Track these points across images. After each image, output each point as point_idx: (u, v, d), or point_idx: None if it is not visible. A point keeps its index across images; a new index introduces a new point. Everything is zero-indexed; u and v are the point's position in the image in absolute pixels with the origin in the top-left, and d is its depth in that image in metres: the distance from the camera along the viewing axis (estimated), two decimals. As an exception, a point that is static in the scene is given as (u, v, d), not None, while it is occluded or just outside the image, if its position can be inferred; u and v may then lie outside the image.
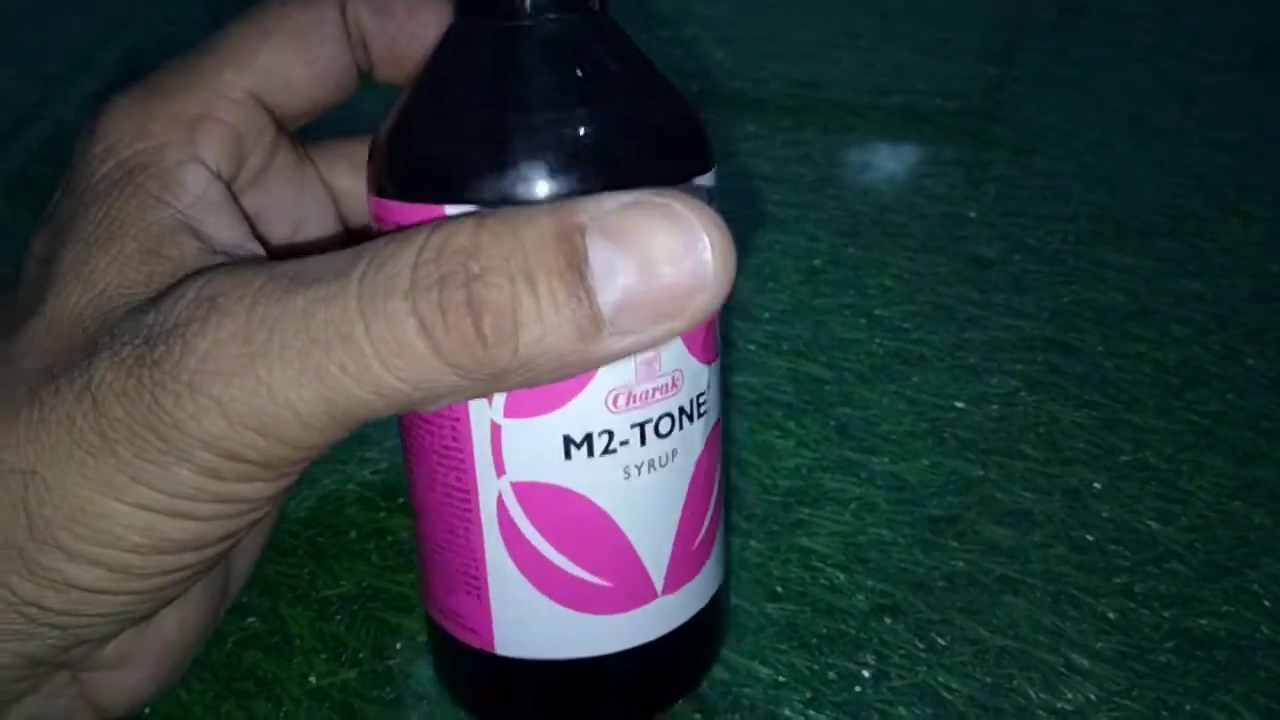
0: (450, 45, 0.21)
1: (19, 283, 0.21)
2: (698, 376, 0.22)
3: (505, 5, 0.20)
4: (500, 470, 0.21)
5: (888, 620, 0.29)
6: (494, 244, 0.17)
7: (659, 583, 0.23)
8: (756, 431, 0.36)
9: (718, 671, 0.27)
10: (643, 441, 0.21)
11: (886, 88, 0.67)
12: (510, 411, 0.21)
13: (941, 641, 0.29)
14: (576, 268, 0.17)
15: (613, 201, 0.18)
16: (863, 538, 0.32)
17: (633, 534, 0.22)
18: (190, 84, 0.22)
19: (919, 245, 0.48)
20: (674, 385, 0.21)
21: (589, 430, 0.21)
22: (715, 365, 0.23)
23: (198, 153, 0.22)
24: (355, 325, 0.17)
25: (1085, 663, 0.28)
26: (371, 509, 0.33)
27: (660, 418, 0.21)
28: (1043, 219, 0.51)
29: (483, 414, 0.21)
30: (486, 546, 0.22)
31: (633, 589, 0.23)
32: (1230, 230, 0.51)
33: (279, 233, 0.25)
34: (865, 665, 0.28)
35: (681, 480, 0.22)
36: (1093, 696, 0.27)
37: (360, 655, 0.27)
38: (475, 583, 0.22)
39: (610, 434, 0.21)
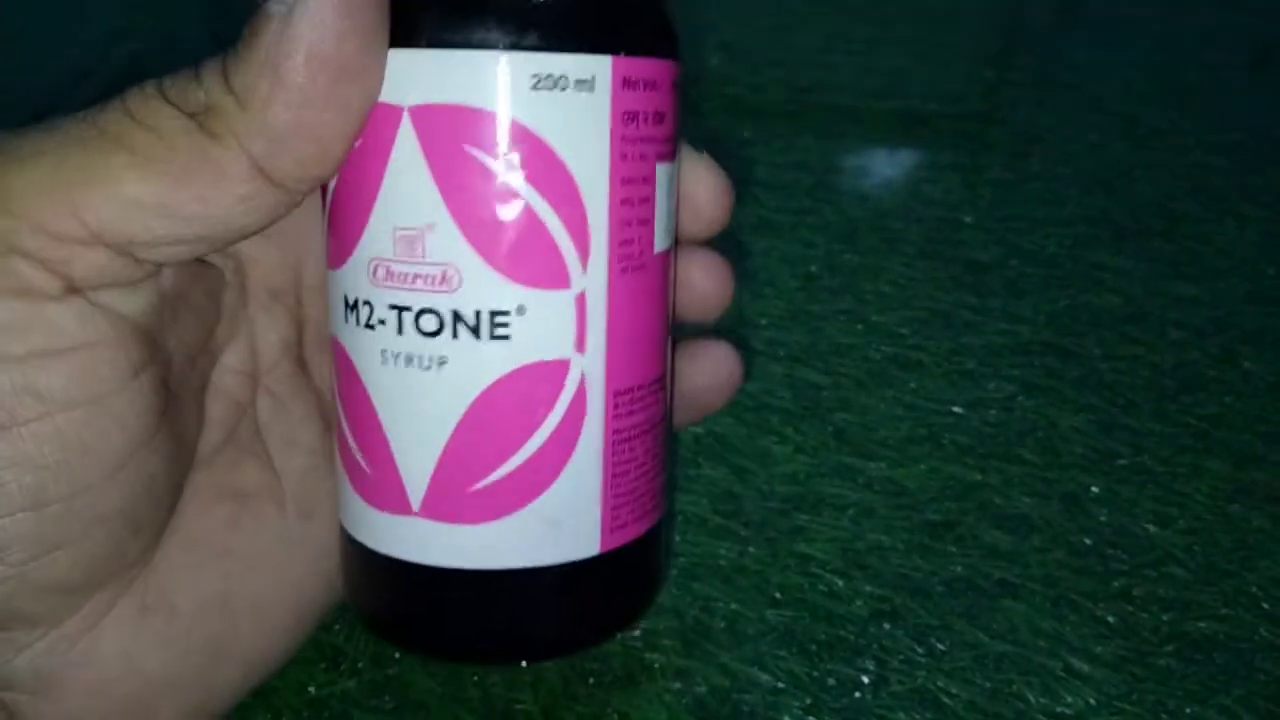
0: None
1: None
2: (494, 288, 0.19)
3: None
4: (331, 323, 0.22)
5: (886, 626, 0.29)
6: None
7: (414, 499, 0.21)
8: (754, 437, 0.36)
9: (716, 678, 0.27)
10: (400, 330, 0.20)
11: (883, 92, 0.67)
12: (328, 258, 0.21)
13: (940, 647, 0.29)
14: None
15: None
16: (861, 543, 0.32)
17: (387, 425, 0.21)
18: None
19: (916, 250, 0.48)
20: (443, 280, 0.19)
21: (356, 296, 0.20)
22: (548, 295, 0.20)
23: None
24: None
25: (1084, 667, 0.28)
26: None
27: (422, 312, 0.19)
28: (1039, 223, 0.51)
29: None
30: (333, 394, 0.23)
31: (388, 489, 0.21)
32: (1227, 232, 0.51)
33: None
34: (864, 671, 0.28)
35: (454, 399, 0.20)
36: (1092, 700, 0.27)
37: (359, 665, 0.27)
38: None
39: (370, 306, 0.20)
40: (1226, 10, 0.85)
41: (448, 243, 0.19)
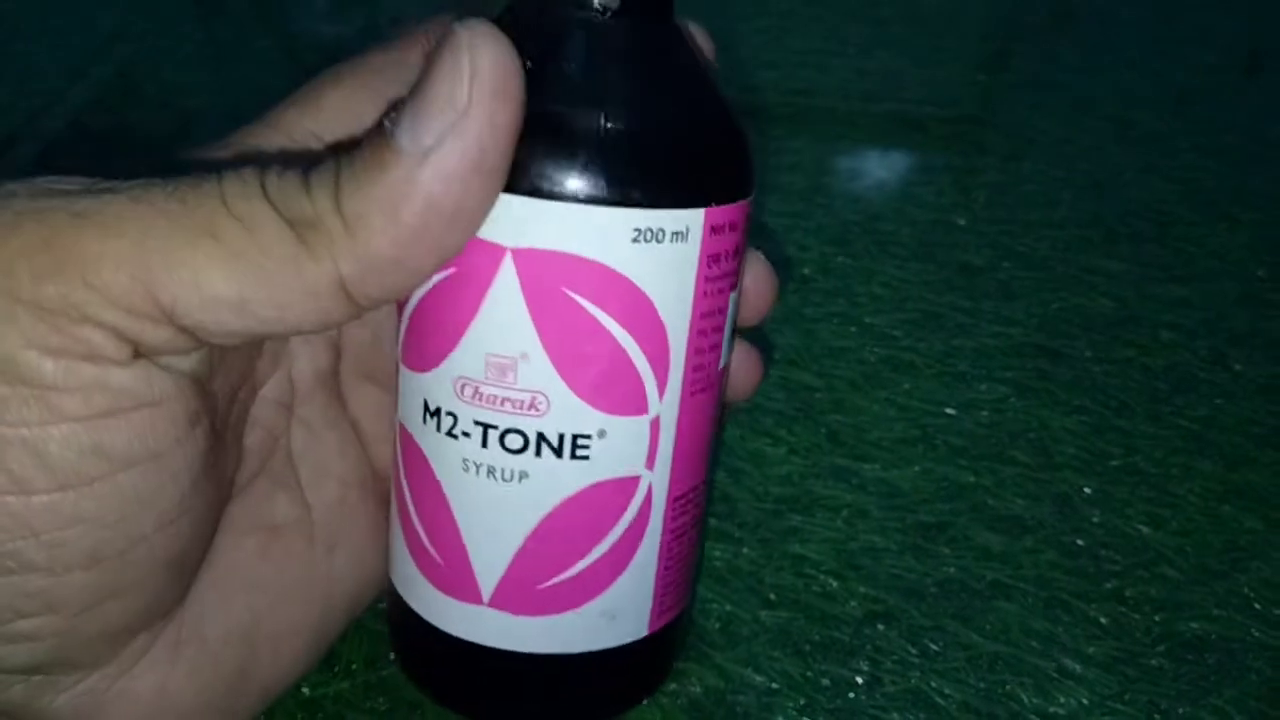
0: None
1: None
2: (578, 414, 0.20)
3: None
4: (396, 406, 0.22)
5: (880, 627, 0.29)
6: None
7: (485, 592, 0.22)
8: (748, 439, 0.36)
9: (711, 678, 0.27)
10: (484, 444, 0.21)
11: (878, 95, 0.68)
12: (403, 355, 0.22)
13: (934, 647, 0.29)
14: (380, 121, 0.18)
15: None
16: (854, 544, 0.32)
17: (464, 527, 0.22)
18: (258, 123, 0.22)
19: (909, 253, 0.48)
20: (531, 405, 0.20)
21: (439, 406, 0.21)
22: (627, 421, 0.21)
23: None
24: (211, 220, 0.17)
25: (1077, 667, 0.28)
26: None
27: (508, 431, 0.21)
28: (1032, 225, 0.51)
29: (395, 350, 0.22)
30: (391, 477, 0.24)
31: (458, 579, 0.22)
32: (1218, 235, 0.51)
33: None
34: (858, 672, 0.28)
35: (531, 509, 0.21)
36: (1085, 701, 0.27)
37: (353, 666, 0.27)
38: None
39: (455, 418, 0.21)
40: (1219, 15, 0.85)
41: (538, 373, 0.20)
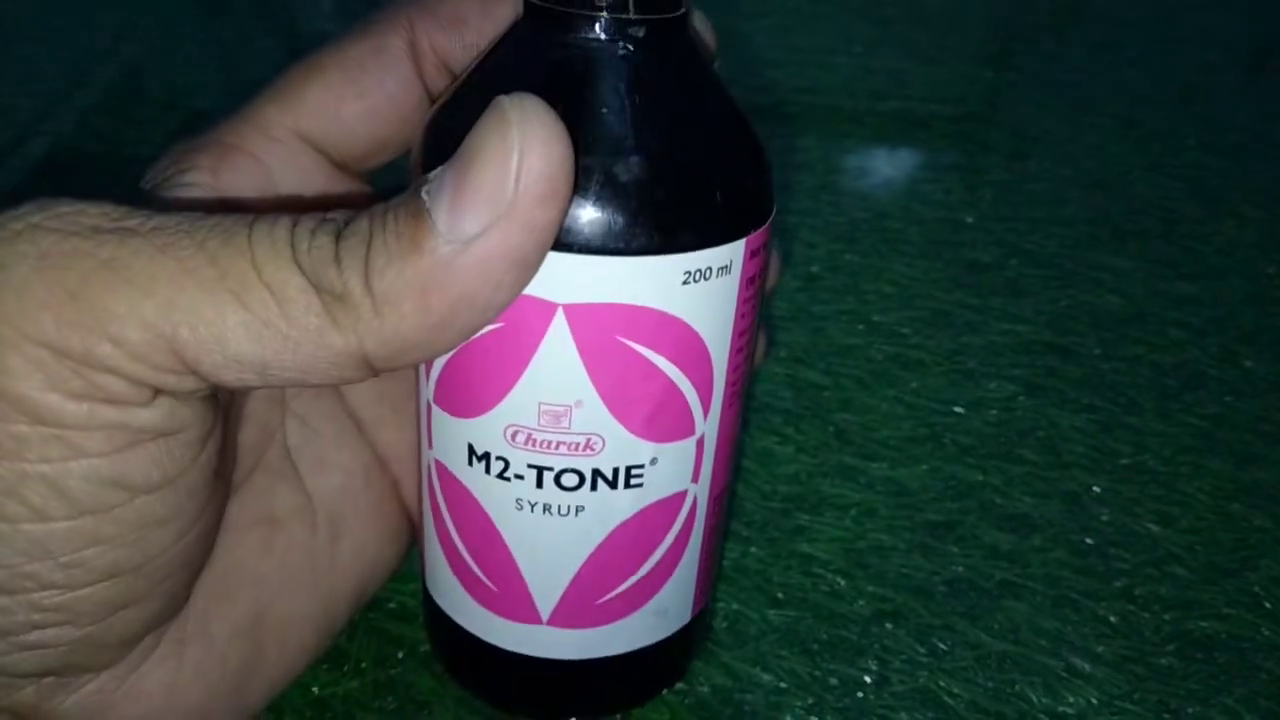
0: (514, 47, 0.20)
1: None
2: (632, 448, 0.21)
3: (579, 25, 0.19)
4: (430, 443, 0.22)
5: (889, 625, 0.29)
6: (368, 209, 0.17)
7: (544, 611, 0.23)
8: (755, 438, 0.36)
9: (719, 678, 0.27)
10: (539, 484, 0.21)
11: (883, 93, 0.67)
12: (437, 398, 0.21)
13: (943, 646, 0.29)
14: (416, 189, 0.17)
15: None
16: (863, 543, 0.32)
17: (520, 557, 0.22)
18: (237, 118, 0.22)
19: (916, 251, 0.48)
20: (586, 447, 0.20)
21: (488, 450, 0.21)
22: (676, 445, 0.21)
23: (218, 179, 0.21)
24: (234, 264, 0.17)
25: (1086, 666, 0.28)
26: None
27: (564, 471, 0.21)
28: (1039, 223, 0.51)
29: (423, 388, 0.22)
30: (423, 502, 0.24)
31: (516, 604, 0.23)
32: (1225, 232, 0.51)
33: None
34: (867, 671, 0.28)
35: (587, 537, 0.22)
36: (1094, 700, 0.27)
37: (362, 665, 0.27)
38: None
39: (506, 462, 0.21)
40: (1225, 12, 0.85)
41: (593, 416, 0.20)
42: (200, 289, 0.17)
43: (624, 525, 0.22)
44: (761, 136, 0.21)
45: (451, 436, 0.21)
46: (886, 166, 0.58)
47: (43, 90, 0.58)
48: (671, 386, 0.20)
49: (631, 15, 0.18)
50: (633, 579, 0.23)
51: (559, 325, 0.19)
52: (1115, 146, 0.61)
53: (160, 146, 0.23)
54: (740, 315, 0.21)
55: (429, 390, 0.22)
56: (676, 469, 0.22)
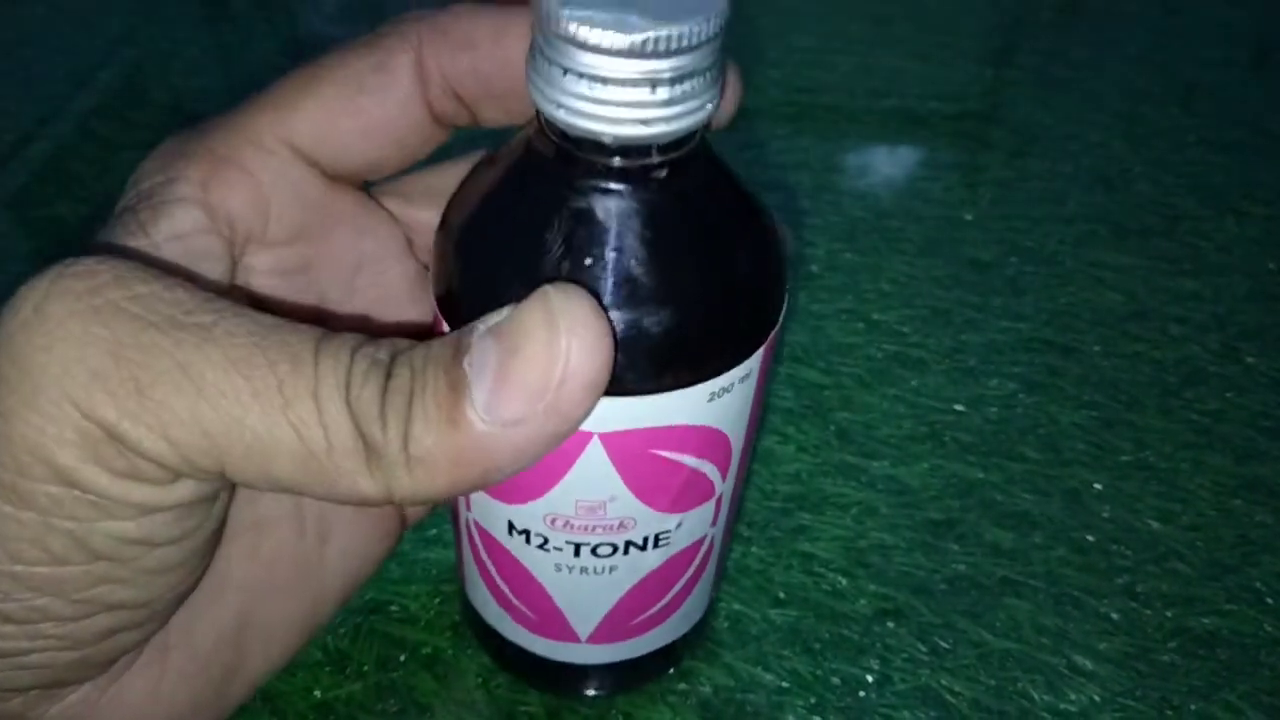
0: (536, 182, 0.19)
1: None
2: (660, 521, 0.22)
3: (602, 171, 0.18)
4: (468, 506, 0.23)
5: (890, 624, 0.29)
6: (409, 350, 0.18)
7: (583, 635, 0.25)
8: (756, 438, 0.36)
9: (721, 677, 0.27)
10: (576, 554, 0.22)
11: (883, 92, 0.67)
12: None
13: (944, 645, 0.29)
14: (458, 353, 0.17)
15: (509, 308, 0.17)
16: (864, 542, 0.32)
17: (560, 601, 0.24)
18: (228, 126, 0.21)
19: (916, 249, 0.48)
20: (620, 527, 0.22)
21: (529, 528, 0.22)
22: (699, 509, 0.23)
23: (208, 194, 0.21)
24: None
25: (1088, 664, 0.28)
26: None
27: (599, 544, 0.22)
28: (1040, 220, 0.51)
29: None
30: (461, 543, 0.25)
31: (557, 630, 0.25)
32: (1227, 229, 0.51)
33: (332, 279, 0.24)
34: (869, 670, 0.28)
35: (619, 586, 0.23)
36: (1096, 697, 0.27)
37: (365, 669, 0.27)
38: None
39: (545, 539, 0.22)
40: (1225, 8, 0.85)
41: (625, 506, 0.21)
42: (265, 416, 0.17)
43: (653, 572, 0.23)
44: (779, 227, 0.21)
45: (490, 511, 0.22)
46: (886, 165, 0.58)
47: (44, 93, 0.59)
48: (697, 475, 0.22)
49: (655, 160, 0.18)
50: (660, 604, 0.25)
51: (595, 447, 0.20)
52: (1116, 144, 0.61)
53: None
54: (757, 401, 0.22)
55: None
56: (699, 524, 0.23)
